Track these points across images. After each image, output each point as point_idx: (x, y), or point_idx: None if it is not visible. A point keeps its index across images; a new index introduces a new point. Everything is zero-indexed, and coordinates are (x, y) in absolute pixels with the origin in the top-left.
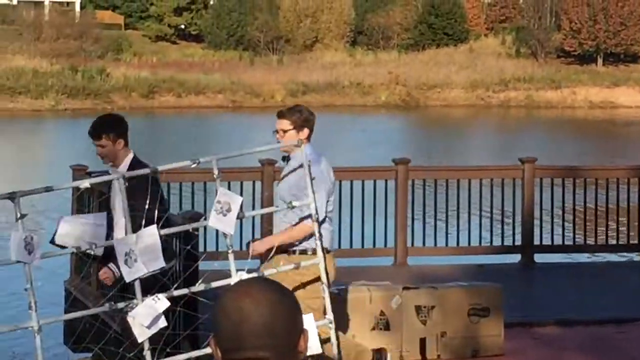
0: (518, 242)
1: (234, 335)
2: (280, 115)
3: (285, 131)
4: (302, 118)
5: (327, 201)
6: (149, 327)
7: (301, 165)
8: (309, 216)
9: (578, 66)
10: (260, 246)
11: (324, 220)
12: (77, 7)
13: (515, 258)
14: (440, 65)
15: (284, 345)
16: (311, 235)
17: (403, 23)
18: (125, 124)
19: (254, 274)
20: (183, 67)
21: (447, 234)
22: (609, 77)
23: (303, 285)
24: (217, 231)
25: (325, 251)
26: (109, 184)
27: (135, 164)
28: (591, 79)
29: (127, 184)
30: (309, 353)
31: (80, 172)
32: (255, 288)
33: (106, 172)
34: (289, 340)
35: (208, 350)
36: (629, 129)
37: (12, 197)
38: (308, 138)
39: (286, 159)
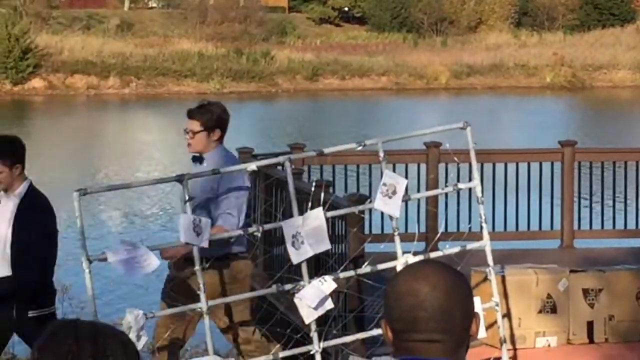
0: None
1: (410, 318)
2: (190, 115)
3: (195, 133)
4: (214, 118)
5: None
6: (315, 308)
7: (214, 171)
8: (228, 220)
9: None
10: (172, 252)
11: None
12: None
13: None
14: (607, 46)
15: (458, 329)
16: (228, 240)
17: (568, 4)
18: (23, 148)
19: (421, 256)
20: (347, 49)
21: (614, 216)
22: None
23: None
24: (382, 213)
25: (237, 256)
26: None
27: (31, 192)
28: None
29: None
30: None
31: (246, 154)
32: (430, 270)
33: (273, 155)
34: (463, 324)
35: (374, 332)
36: None
37: (180, 179)
38: (220, 139)
39: (198, 159)
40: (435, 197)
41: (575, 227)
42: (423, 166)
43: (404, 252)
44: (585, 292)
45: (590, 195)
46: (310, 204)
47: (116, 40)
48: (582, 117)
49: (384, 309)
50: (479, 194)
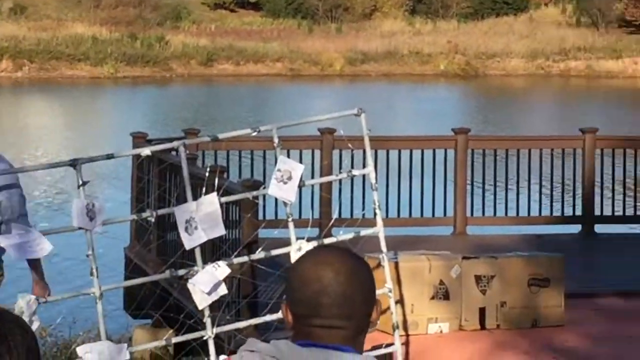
0: (578, 213)
1: (312, 303)
2: None
3: None
4: None
5: None
6: (209, 294)
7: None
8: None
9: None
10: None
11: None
12: None
13: (576, 229)
14: (500, 35)
15: (359, 315)
16: None
17: None
18: None
19: (315, 243)
20: (241, 35)
21: (506, 203)
22: None
23: None
24: (276, 199)
25: None
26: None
27: None
28: None
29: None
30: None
31: (140, 139)
32: (334, 256)
33: (167, 140)
34: (364, 310)
35: (267, 318)
36: None
37: (74, 164)
38: None
39: None
40: (329, 183)
41: (468, 214)
42: (317, 152)
43: (297, 238)
44: (478, 278)
45: (483, 183)
46: (204, 190)
47: (9, 23)
48: (476, 105)
49: (286, 292)
50: (373, 180)
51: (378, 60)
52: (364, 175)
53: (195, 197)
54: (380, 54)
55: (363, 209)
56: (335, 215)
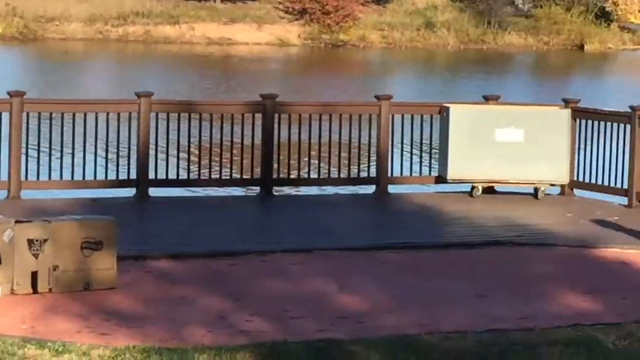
0: (133, 176)
1: None
2: None
3: None
4: None
5: None
6: None
7: None
8: None
9: (197, 2)
10: None
11: None
12: None
13: (131, 192)
14: None
15: None
16: None
17: None
18: None
19: None
20: None
21: (61, 167)
22: (227, 13)
23: None
24: None
25: None
26: None
27: None
28: (209, 15)
29: None
30: None
31: None
32: None
33: None
34: None
35: None
36: (247, 65)
37: None
38: None
39: None
40: None
41: (23, 177)
42: None
43: None
44: (30, 242)
45: (38, 146)
46: None
47: None
48: (37, 68)
49: None
50: None
51: None
52: None
53: None
54: None
55: None
56: None
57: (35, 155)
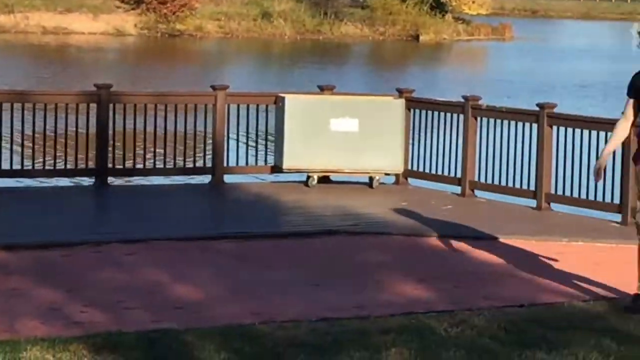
0: None
1: None
2: None
3: None
4: None
5: None
6: None
7: None
8: None
9: None
10: None
11: None
12: None
13: None
14: None
15: None
16: None
17: None
18: None
19: None
20: None
21: None
22: (62, 3)
23: None
24: None
25: None
26: None
27: None
28: (44, 4)
29: None
30: None
31: None
32: None
33: None
34: None
35: None
36: (83, 55)
37: None
38: None
39: None
40: None
41: None
42: None
43: None
44: None
45: None
46: None
47: None
48: None
49: None
50: None
51: None
52: None
53: None
54: None
55: None
56: None
57: None
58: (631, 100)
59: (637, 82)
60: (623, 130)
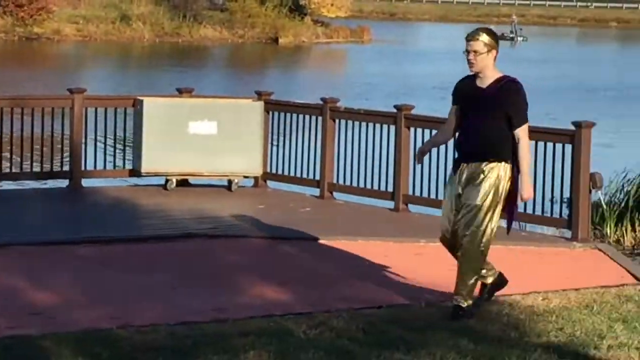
0: None
1: None
2: None
3: None
4: None
5: None
6: None
7: None
8: None
9: None
10: None
11: None
12: None
13: None
14: None
15: None
16: None
17: None
18: None
19: None
20: None
21: None
22: None
23: None
24: None
25: None
26: None
27: None
28: None
29: None
30: None
31: None
32: None
33: None
34: None
35: None
36: None
37: None
38: None
39: None
40: None
41: None
42: None
43: None
44: None
45: None
46: None
47: None
48: None
49: None
50: None
51: None
52: None
53: None
54: None
55: None
56: None
57: None
58: (454, 107)
59: (461, 90)
60: (443, 135)
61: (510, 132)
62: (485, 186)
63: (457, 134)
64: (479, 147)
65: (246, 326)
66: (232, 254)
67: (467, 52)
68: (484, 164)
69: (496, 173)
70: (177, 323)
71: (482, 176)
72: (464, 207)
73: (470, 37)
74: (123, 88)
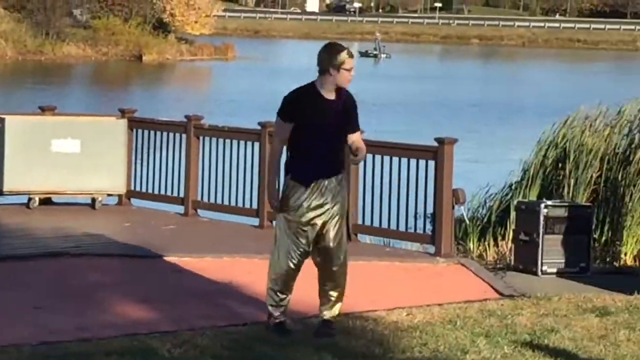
0: None
1: None
2: None
3: None
4: None
5: None
6: None
7: None
8: None
9: None
10: None
11: None
12: None
13: None
14: None
15: None
16: None
17: None
18: None
19: None
20: None
21: None
22: None
23: None
24: None
25: None
26: None
27: None
28: None
29: None
30: None
31: None
32: None
33: None
34: None
35: None
36: None
37: None
38: None
39: None
40: None
41: None
42: None
43: None
44: None
45: None
46: None
47: None
48: None
49: None
50: None
51: None
52: None
53: None
54: None
55: None
56: None
57: None
58: (288, 124)
59: (293, 106)
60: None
61: None
62: None
63: None
64: None
65: (110, 345)
66: (95, 272)
67: (350, 69)
68: None
69: None
70: (40, 343)
71: None
72: None
73: (350, 54)
74: None
